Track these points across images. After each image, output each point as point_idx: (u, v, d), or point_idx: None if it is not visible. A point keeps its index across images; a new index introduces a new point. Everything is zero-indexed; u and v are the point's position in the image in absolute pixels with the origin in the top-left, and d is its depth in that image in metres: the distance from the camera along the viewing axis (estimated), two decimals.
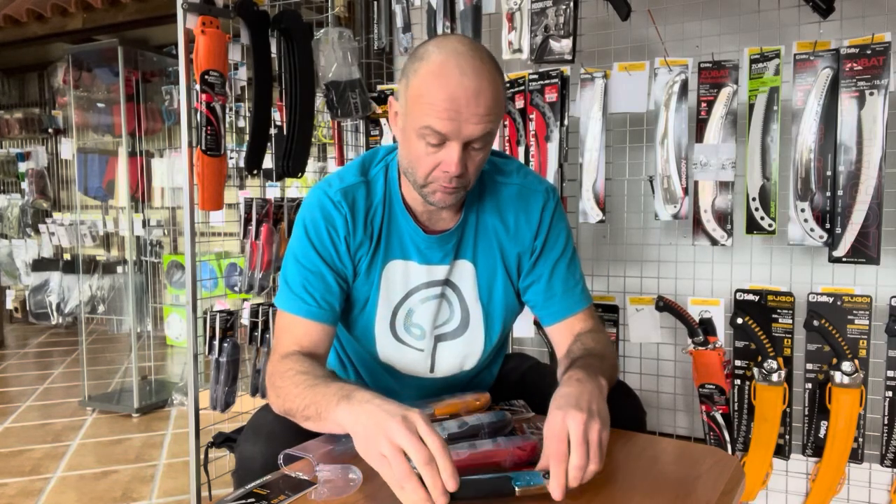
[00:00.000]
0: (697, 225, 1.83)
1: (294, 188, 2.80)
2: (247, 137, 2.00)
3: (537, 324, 2.00)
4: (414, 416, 0.84)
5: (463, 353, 1.23)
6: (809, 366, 1.75)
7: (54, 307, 4.89)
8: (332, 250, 1.14)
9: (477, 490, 0.85)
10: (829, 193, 1.66)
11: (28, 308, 5.08)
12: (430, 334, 1.21)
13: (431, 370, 1.23)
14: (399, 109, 1.08)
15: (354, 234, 1.14)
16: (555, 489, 0.83)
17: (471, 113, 0.99)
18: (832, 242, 1.67)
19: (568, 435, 0.86)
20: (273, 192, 2.52)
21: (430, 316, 1.20)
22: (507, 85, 2.02)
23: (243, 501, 0.85)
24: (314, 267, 1.13)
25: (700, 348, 1.84)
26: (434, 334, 1.21)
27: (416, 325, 1.20)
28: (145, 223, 3.81)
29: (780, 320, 1.78)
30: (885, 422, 1.70)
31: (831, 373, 1.70)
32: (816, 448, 1.76)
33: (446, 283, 1.19)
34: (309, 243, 1.14)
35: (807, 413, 1.76)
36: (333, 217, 1.13)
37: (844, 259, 1.66)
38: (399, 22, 2.12)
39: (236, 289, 2.27)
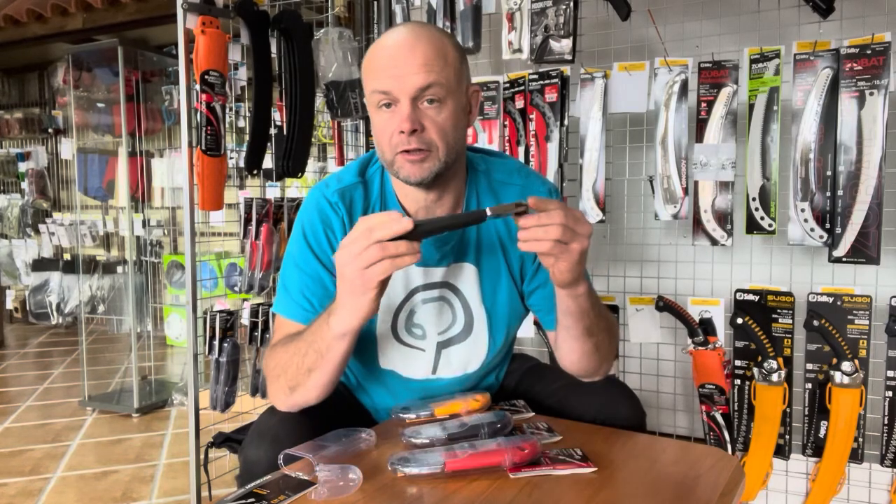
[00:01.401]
0: (697, 225, 1.83)
1: (294, 188, 2.80)
2: (247, 137, 2.00)
3: (537, 324, 2.00)
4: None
5: (466, 357, 1.22)
6: (809, 366, 1.75)
7: (54, 307, 4.89)
8: (330, 253, 1.13)
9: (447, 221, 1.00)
10: (829, 193, 1.66)
11: (28, 308, 5.08)
12: (432, 337, 1.20)
13: (433, 372, 1.22)
14: None
15: None
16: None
17: (409, 64, 1.02)
18: (832, 242, 1.67)
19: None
20: (273, 192, 2.52)
21: (431, 317, 1.19)
22: (507, 84, 2.02)
23: (243, 501, 0.85)
24: (312, 271, 1.13)
25: (700, 348, 1.84)
26: (437, 340, 1.20)
27: (417, 326, 1.19)
28: (145, 223, 3.81)
29: (780, 320, 1.78)
30: (885, 422, 1.70)
31: (831, 373, 1.70)
32: (816, 448, 1.76)
33: (445, 285, 1.18)
34: (307, 246, 1.14)
35: (807, 413, 1.76)
36: (330, 219, 1.13)
37: (844, 259, 1.66)
38: (399, 22, 2.12)
39: (236, 289, 2.27)
